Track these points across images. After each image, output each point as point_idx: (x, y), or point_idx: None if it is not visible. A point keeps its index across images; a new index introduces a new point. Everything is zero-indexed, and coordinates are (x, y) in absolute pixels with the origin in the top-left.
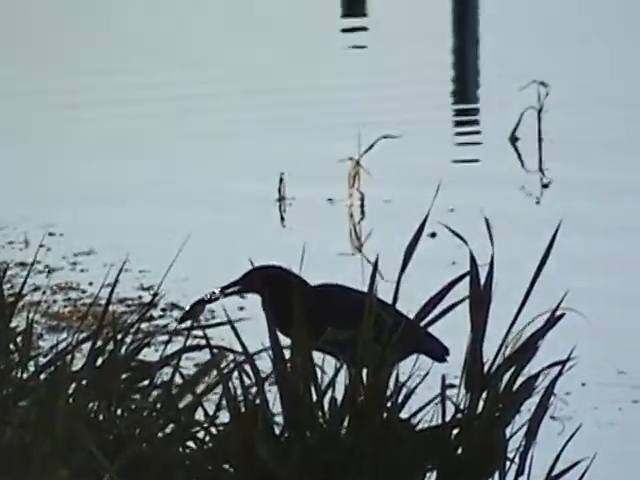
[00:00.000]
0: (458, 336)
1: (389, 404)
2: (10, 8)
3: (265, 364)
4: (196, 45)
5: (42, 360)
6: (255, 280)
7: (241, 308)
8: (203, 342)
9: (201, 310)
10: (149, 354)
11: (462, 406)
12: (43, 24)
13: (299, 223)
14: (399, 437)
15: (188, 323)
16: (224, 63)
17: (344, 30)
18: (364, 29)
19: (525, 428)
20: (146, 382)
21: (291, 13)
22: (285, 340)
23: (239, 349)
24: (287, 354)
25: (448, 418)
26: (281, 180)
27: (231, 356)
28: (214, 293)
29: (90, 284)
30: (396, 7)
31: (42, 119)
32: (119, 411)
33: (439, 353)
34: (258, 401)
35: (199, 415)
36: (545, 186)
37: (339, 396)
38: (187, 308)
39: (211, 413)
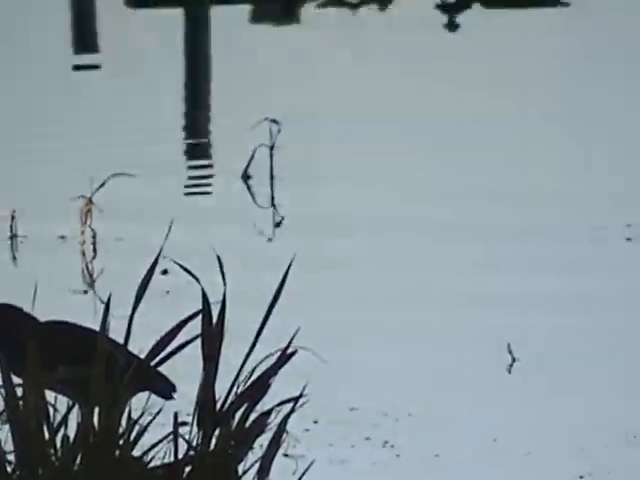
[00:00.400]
0: (192, 373)
1: (121, 441)
2: None
3: None
4: None
5: None
6: None
7: None
8: None
9: None
10: None
11: (195, 443)
12: None
13: (31, 261)
14: (132, 475)
15: None
16: None
17: (76, 67)
18: (96, 67)
19: (258, 465)
20: None
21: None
22: (17, 378)
23: None
24: (19, 392)
25: (181, 455)
26: (12, 217)
27: None
28: None
29: None
30: (129, 44)
31: None
32: None
33: (167, 391)
34: None
35: None
36: (277, 224)
37: (72, 434)
38: None
39: None
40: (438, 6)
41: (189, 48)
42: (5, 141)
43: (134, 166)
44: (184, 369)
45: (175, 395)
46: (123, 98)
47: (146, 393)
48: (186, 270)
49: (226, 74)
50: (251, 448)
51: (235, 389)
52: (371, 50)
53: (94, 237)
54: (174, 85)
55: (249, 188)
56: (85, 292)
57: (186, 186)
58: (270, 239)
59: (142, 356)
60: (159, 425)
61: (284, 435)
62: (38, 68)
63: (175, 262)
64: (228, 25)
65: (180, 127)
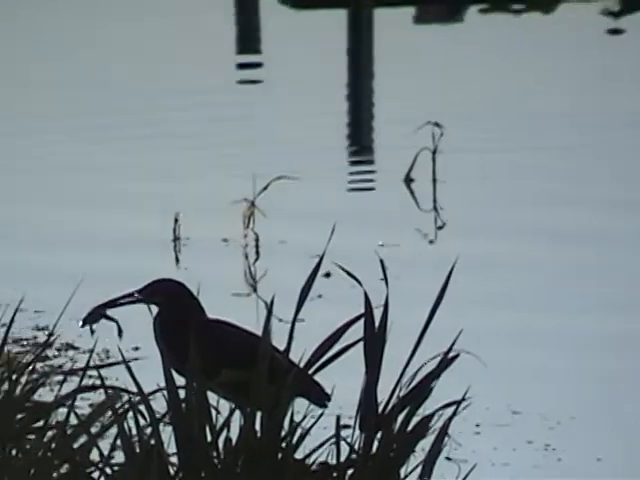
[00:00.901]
0: (353, 376)
1: (284, 445)
2: None
3: (160, 404)
4: (87, 72)
5: None
6: (157, 292)
7: (136, 348)
8: (98, 382)
9: (102, 315)
10: (44, 394)
11: (357, 446)
12: None
13: (194, 263)
14: (294, 477)
15: (90, 326)
16: (113, 95)
17: (240, 65)
18: (259, 65)
19: (420, 469)
20: (41, 422)
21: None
22: (180, 380)
23: (134, 389)
24: (182, 394)
25: (343, 458)
26: (176, 220)
27: (126, 396)
28: (115, 300)
29: None
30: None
31: None
32: (14, 452)
33: (322, 399)
34: (153, 441)
35: (94, 455)
36: (440, 227)
37: (234, 436)
38: (89, 311)
39: (106, 453)
40: (604, 12)
41: (352, 50)
42: (165, 146)
43: (296, 169)
44: (346, 371)
45: (329, 403)
46: (285, 101)
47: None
48: (348, 273)
49: (388, 75)
50: (413, 451)
51: (397, 392)
52: (533, 54)
53: (257, 240)
54: (336, 87)
55: (411, 191)
56: (248, 295)
57: (349, 190)
58: (432, 241)
59: (303, 359)
60: (321, 428)
61: (446, 438)
62: (202, 68)
63: (338, 265)
64: (391, 26)
65: (342, 130)
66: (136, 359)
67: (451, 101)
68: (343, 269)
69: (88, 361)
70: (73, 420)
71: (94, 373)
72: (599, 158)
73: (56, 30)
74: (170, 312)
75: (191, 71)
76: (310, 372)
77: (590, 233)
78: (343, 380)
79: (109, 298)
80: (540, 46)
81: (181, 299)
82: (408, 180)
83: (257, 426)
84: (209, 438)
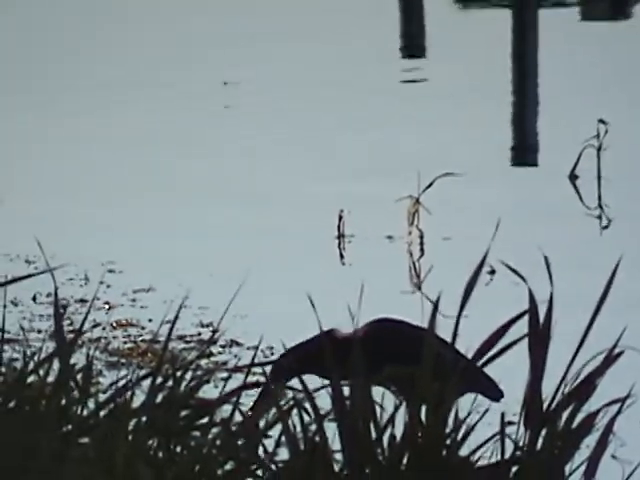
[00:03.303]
0: (516, 372)
1: (448, 441)
2: None
3: (324, 401)
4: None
5: (102, 397)
6: (292, 365)
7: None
8: (263, 379)
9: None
10: (209, 391)
11: (521, 443)
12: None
13: (358, 260)
14: (458, 474)
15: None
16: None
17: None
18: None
19: (584, 466)
20: (205, 419)
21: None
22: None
23: (298, 386)
24: (346, 392)
25: (507, 455)
26: (340, 217)
27: (290, 393)
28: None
29: (150, 321)
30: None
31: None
32: (178, 448)
33: (494, 393)
34: (317, 438)
35: (259, 452)
36: (605, 225)
37: (398, 433)
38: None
39: (270, 450)
40: None
41: (517, 50)
42: (329, 146)
43: (460, 167)
44: (511, 366)
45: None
46: (448, 99)
47: (472, 394)
48: (513, 270)
49: (554, 75)
50: (578, 449)
51: (562, 389)
52: None
53: (421, 237)
54: (502, 88)
55: (576, 188)
56: (413, 292)
57: (513, 186)
58: (597, 239)
59: (468, 356)
60: (486, 425)
61: (611, 436)
62: (366, 70)
63: (502, 262)
64: (558, 26)
65: (507, 130)
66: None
67: (615, 98)
68: (508, 266)
69: (253, 358)
70: (238, 417)
71: (259, 370)
72: None
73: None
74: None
75: (353, 68)
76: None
77: None
78: (507, 377)
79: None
80: None
81: (316, 357)
82: (573, 177)
83: (422, 422)
84: (373, 435)
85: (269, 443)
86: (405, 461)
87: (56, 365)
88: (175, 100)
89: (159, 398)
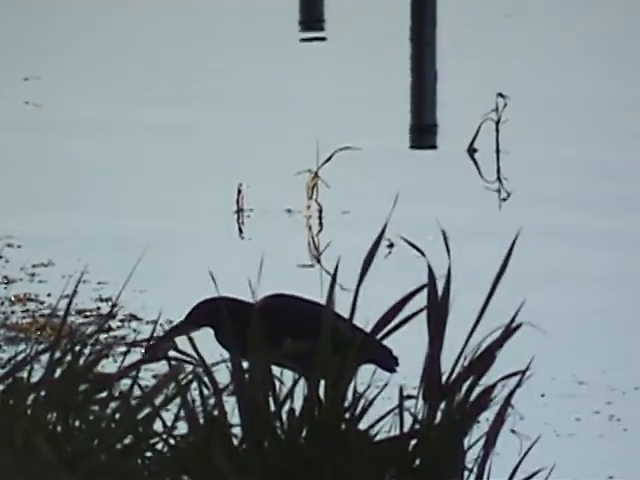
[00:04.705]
0: (416, 347)
1: (347, 415)
2: None
3: (224, 375)
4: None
5: (0, 371)
6: (204, 314)
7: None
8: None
9: (160, 348)
10: (108, 365)
11: (420, 417)
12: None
13: (257, 234)
14: (357, 448)
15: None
16: (172, 64)
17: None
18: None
19: (483, 440)
20: (104, 393)
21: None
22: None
23: (197, 361)
24: (245, 366)
25: (406, 429)
26: (239, 191)
27: (190, 367)
28: (163, 336)
29: (48, 295)
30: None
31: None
32: (77, 422)
33: (390, 364)
34: (216, 412)
35: (158, 426)
36: (504, 198)
37: (297, 408)
38: (144, 354)
39: (169, 424)
40: None
41: (416, 15)
42: (229, 117)
43: (359, 141)
44: (409, 341)
45: (397, 368)
46: (347, 65)
47: (371, 368)
48: (411, 244)
49: (450, 43)
50: (477, 422)
51: (461, 362)
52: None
53: (320, 211)
54: (398, 53)
55: (475, 162)
56: (312, 266)
57: (412, 160)
58: (496, 213)
59: (366, 329)
60: (385, 399)
61: (510, 409)
62: (266, 38)
63: (401, 237)
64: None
65: (404, 98)
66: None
67: (516, 72)
68: (406, 240)
69: (152, 332)
70: (136, 391)
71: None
72: None
73: None
74: (223, 326)
75: (254, 32)
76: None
77: None
78: (406, 351)
79: (161, 335)
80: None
81: (230, 311)
82: (471, 151)
83: (321, 396)
84: (272, 409)
85: (168, 417)
86: (304, 435)
87: None
88: None
89: (58, 372)
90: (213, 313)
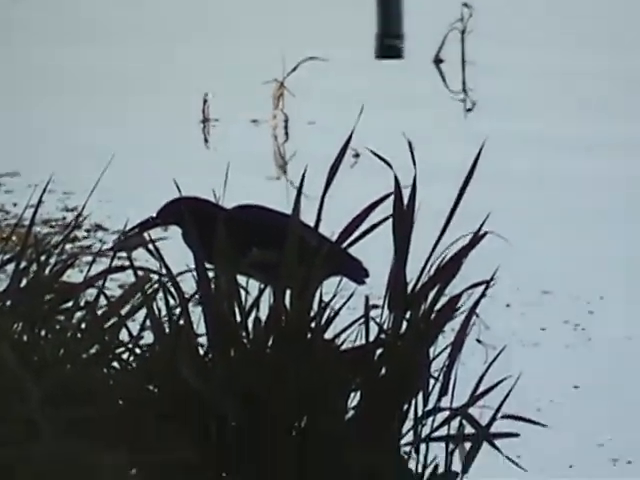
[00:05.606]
0: (382, 257)
1: (313, 324)
2: None
3: (190, 285)
4: None
5: None
6: (172, 212)
7: (165, 229)
8: (127, 263)
9: (128, 244)
10: (73, 275)
11: (386, 326)
12: None
13: (223, 145)
14: (323, 357)
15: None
16: None
17: None
18: None
19: (449, 349)
20: (70, 303)
21: None
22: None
23: (163, 271)
24: (212, 276)
25: (372, 339)
26: (205, 101)
27: (156, 277)
28: (132, 230)
29: (14, 205)
30: None
31: None
32: (43, 332)
33: (360, 275)
34: (182, 321)
35: (124, 336)
36: (469, 108)
37: (263, 317)
38: (112, 250)
39: (135, 334)
40: None
41: None
42: (195, 27)
43: (325, 50)
44: (375, 252)
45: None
46: None
47: (338, 278)
48: (377, 155)
49: None
50: (442, 331)
51: (426, 272)
52: None
53: (286, 121)
54: None
55: (441, 72)
56: (277, 178)
57: (378, 71)
58: (462, 123)
59: (332, 239)
60: (351, 309)
61: (475, 318)
62: None
63: (366, 148)
64: None
65: (372, 12)
66: (164, 239)
67: None
68: (371, 151)
69: (116, 245)
70: (103, 301)
71: (123, 254)
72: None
73: None
74: (194, 227)
75: None
76: (343, 247)
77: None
78: (373, 262)
79: (131, 226)
80: None
81: (199, 213)
82: (437, 61)
83: (287, 306)
84: (238, 318)
85: (134, 327)
86: (270, 344)
87: None
88: None
89: (23, 282)
90: (181, 212)
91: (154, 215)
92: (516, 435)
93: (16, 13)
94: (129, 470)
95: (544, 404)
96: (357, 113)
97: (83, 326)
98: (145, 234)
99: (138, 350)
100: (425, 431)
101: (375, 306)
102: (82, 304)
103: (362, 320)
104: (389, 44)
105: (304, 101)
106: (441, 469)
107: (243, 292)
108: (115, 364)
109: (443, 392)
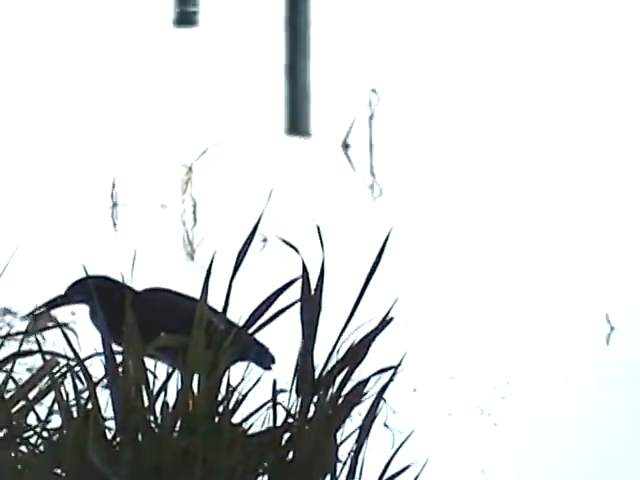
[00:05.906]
0: (290, 342)
1: (220, 409)
2: None
3: (98, 369)
4: None
5: None
6: (80, 291)
7: (73, 313)
8: (36, 347)
9: (40, 322)
10: None
11: (293, 411)
12: None
13: (132, 229)
14: (230, 441)
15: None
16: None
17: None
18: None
19: (356, 434)
20: None
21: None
22: (118, 347)
23: (71, 354)
24: (119, 359)
25: (280, 423)
26: (113, 185)
27: (64, 361)
28: (40, 308)
29: None
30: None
31: None
32: None
33: (266, 361)
34: (90, 405)
35: (32, 420)
36: (377, 194)
37: (171, 401)
38: (27, 326)
39: (43, 418)
40: None
41: (289, 16)
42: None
43: (233, 135)
44: (283, 336)
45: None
46: (221, 59)
47: (245, 363)
48: (284, 241)
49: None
50: (349, 416)
51: (334, 356)
52: None
53: (194, 205)
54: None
55: (348, 157)
56: (186, 261)
57: (286, 155)
58: (369, 208)
59: (240, 324)
60: (258, 393)
61: (382, 403)
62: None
63: (275, 235)
64: None
65: (280, 94)
66: (72, 324)
67: (389, 69)
68: (279, 237)
69: (28, 326)
70: (10, 385)
71: (31, 338)
72: None
73: None
74: (102, 307)
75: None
76: (250, 334)
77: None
78: (280, 346)
79: (39, 305)
80: None
81: (108, 293)
82: (345, 146)
83: (194, 390)
84: (146, 402)
85: (42, 411)
86: (178, 429)
87: None
88: None
89: None
90: (89, 291)
91: (62, 293)
92: None
93: None
94: None
95: None
96: (266, 197)
97: None
98: (53, 313)
99: (46, 434)
100: None
101: (283, 390)
102: None
103: (270, 404)
104: (297, 130)
105: (212, 185)
106: None
107: (151, 376)
108: (23, 448)
109: (351, 477)
